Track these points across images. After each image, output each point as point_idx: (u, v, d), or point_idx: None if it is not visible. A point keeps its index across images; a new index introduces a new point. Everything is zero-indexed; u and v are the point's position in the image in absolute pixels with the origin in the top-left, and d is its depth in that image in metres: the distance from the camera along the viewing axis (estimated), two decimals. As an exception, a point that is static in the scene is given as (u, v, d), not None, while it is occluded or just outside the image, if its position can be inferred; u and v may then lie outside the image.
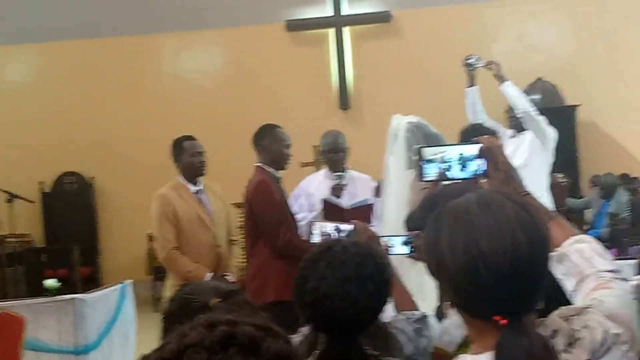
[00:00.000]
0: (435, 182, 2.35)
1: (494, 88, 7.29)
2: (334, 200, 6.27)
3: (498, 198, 1.80)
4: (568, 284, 2.08)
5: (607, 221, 10.80)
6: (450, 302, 1.84)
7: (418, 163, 2.31)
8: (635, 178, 11.85)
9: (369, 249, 2.60)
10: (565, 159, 11.19)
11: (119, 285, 7.38)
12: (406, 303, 3.12)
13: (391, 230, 5.00)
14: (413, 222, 3.71)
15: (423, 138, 5.33)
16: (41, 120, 13.23)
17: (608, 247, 9.01)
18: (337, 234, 3.59)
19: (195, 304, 2.39)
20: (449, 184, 3.05)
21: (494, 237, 1.71)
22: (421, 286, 4.59)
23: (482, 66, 7.25)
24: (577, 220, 11.65)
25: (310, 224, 3.75)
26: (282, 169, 6.24)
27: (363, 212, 6.09)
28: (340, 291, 2.44)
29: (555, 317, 1.83)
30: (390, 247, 3.53)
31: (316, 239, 3.65)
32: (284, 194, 6.23)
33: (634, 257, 7.50)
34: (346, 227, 3.57)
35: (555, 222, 2.18)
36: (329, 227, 3.67)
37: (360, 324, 2.49)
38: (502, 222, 1.73)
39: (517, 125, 7.37)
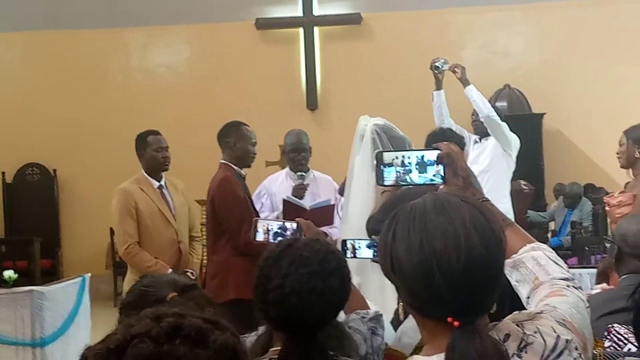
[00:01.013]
0: (394, 186, 2.35)
1: (461, 95, 7.35)
2: (295, 200, 6.25)
3: (454, 200, 1.80)
4: (523, 291, 2.10)
5: (569, 229, 10.88)
6: (404, 303, 1.85)
7: (378, 167, 2.31)
8: (600, 188, 11.93)
9: (328, 245, 2.63)
10: (531, 167, 11.29)
11: (79, 279, 7.34)
12: (358, 303, 3.12)
13: (354, 230, 5.03)
14: (373, 225, 3.72)
15: (389, 140, 5.35)
16: (4, 111, 13.09)
17: (570, 255, 9.12)
18: (281, 232, 3.59)
19: (152, 296, 2.39)
20: (410, 188, 3.06)
21: (448, 238, 1.71)
22: (382, 289, 4.61)
23: (447, 69, 7.35)
24: (541, 228, 11.74)
25: (254, 222, 3.72)
26: (247, 167, 6.22)
27: (324, 213, 6.09)
28: (306, 287, 2.45)
29: (508, 321, 1.84)
30: (356, 249, 3.54)
31: (260, 237, 3.63)
32: (248, 192, 6.20)
33: (595, 266, 7.56)
34: (291, 225, 3.57)
35: (512, 228, 2.20)
36: (274, 225, 3.67)
37: (324, 320, 2.50)
38: (457, 224, 1.73)
39: (482, 131, 7.45)
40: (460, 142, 5.54)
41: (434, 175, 2.27)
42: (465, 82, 7.32)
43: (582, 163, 12.53)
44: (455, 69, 7.37)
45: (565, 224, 11.37)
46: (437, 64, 7.34)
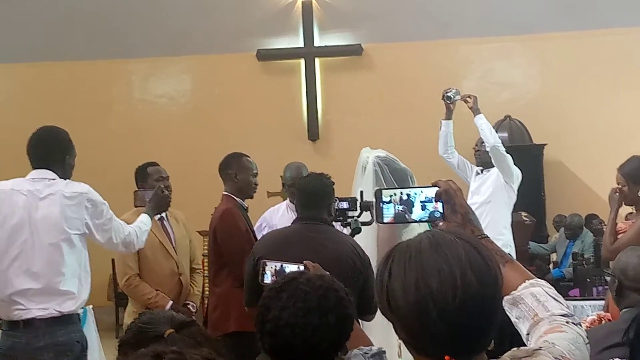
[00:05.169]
0: (393, 223, 2.35)
1: (464, 126, 7.37)
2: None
3: (450, 238, 1.81)
4: (523, 327, 2.09)
5: (571, 261, 10.86)
6: (401, 341, 1.85)
7: (377, 204, 2.32)
8: (595, 216, 11.90)
9: (332, 282, 2.64)
10: (532, 198, 11.28)
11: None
12: (360, 341, 3.12)
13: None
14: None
15: (390, 172, 5.35)
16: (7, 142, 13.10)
17: (571, 287, 9.10)
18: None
19: (149, 333, 2.39)
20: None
21: (444, 276, 1.72)
22: (384, 325, 4.59)
23: (459, 99, 7.39)
24: (542, 259, 11.71)
25: (262, 264, 3.73)
26: (249, 198, 6.22)
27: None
28: (301, 321, 2.48)
29: (506, 358, 1.84)
30: None
31: (267, 279, 3.63)
32: (250, 223, 6.20)
33: (597, 298, 7.56)
34: (298, 267, 3.56)
35: (511, 265, 2.19)
36: (279, 266, 3.67)
37: (319, 356, 2.50)
38: (453, 262, 1.74)
39: (484, 162, 7.48)
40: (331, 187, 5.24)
41: (432, 212, 2.28)
42: (476, 111, 7.37)
43: (584, 194, 12.51)
44: (467, 98, 7.42)
45: (566, 256, 11.33)
46: (449, 94, 7.39)
